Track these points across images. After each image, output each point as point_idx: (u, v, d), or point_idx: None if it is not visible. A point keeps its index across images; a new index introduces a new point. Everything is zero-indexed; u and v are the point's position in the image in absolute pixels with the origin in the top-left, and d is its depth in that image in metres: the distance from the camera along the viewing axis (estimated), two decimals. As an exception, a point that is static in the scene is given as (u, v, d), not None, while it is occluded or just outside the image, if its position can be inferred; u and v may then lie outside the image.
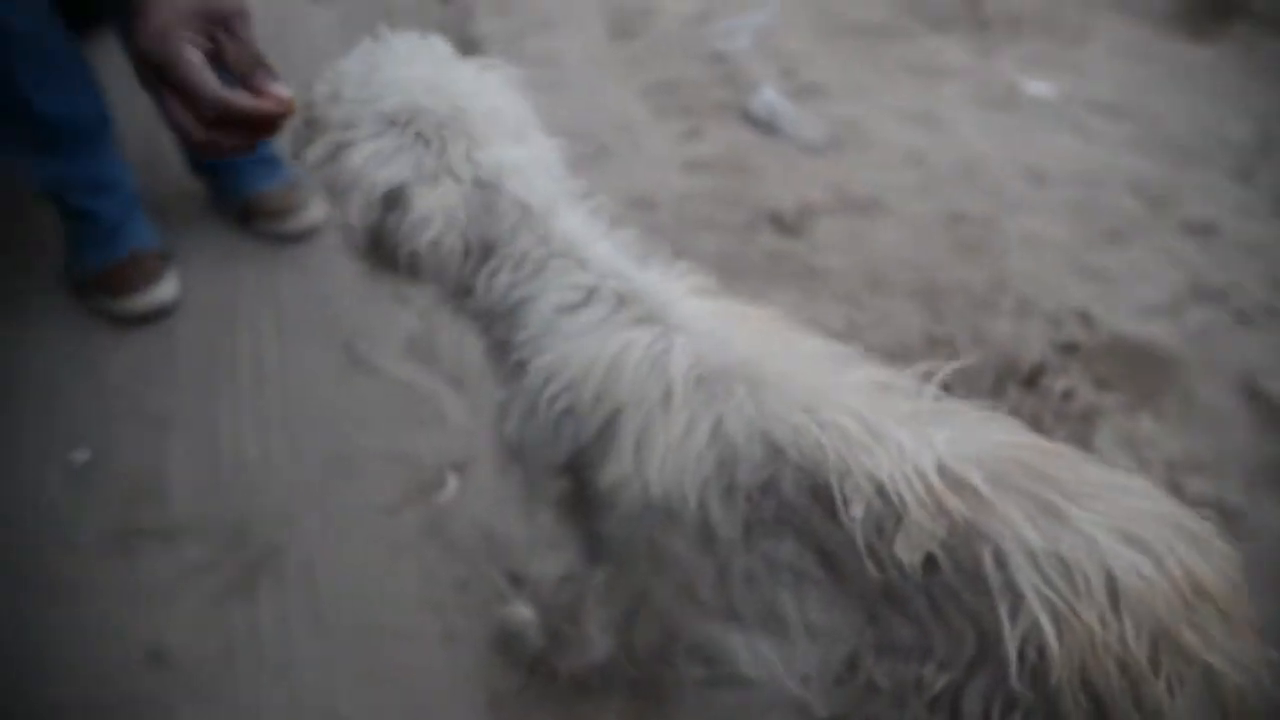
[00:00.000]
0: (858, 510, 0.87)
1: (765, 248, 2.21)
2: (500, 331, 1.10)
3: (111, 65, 2.11)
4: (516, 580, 1.55)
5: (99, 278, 2.04)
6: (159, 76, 0.99)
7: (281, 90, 1.03)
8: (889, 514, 0.86)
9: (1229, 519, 1.68)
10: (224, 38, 1.02)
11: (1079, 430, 1.87)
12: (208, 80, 0.98)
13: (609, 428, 1.00)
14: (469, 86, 1.05)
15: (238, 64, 1.03)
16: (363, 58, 1.06)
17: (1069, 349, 1.98)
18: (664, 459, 0.96)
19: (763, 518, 0.94)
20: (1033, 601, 0.81)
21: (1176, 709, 0.79)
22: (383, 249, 1.06)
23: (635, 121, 2.65)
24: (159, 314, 2.05)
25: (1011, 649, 0.81)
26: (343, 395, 1.89)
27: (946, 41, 3.10)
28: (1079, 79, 2.94)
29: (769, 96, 2.67)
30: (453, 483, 1.70)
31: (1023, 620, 0.81)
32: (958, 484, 0.85)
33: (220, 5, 1.00)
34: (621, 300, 1.04)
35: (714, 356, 0.98)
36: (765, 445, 0.93)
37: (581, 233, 1.06)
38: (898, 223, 2.33)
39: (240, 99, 1.00)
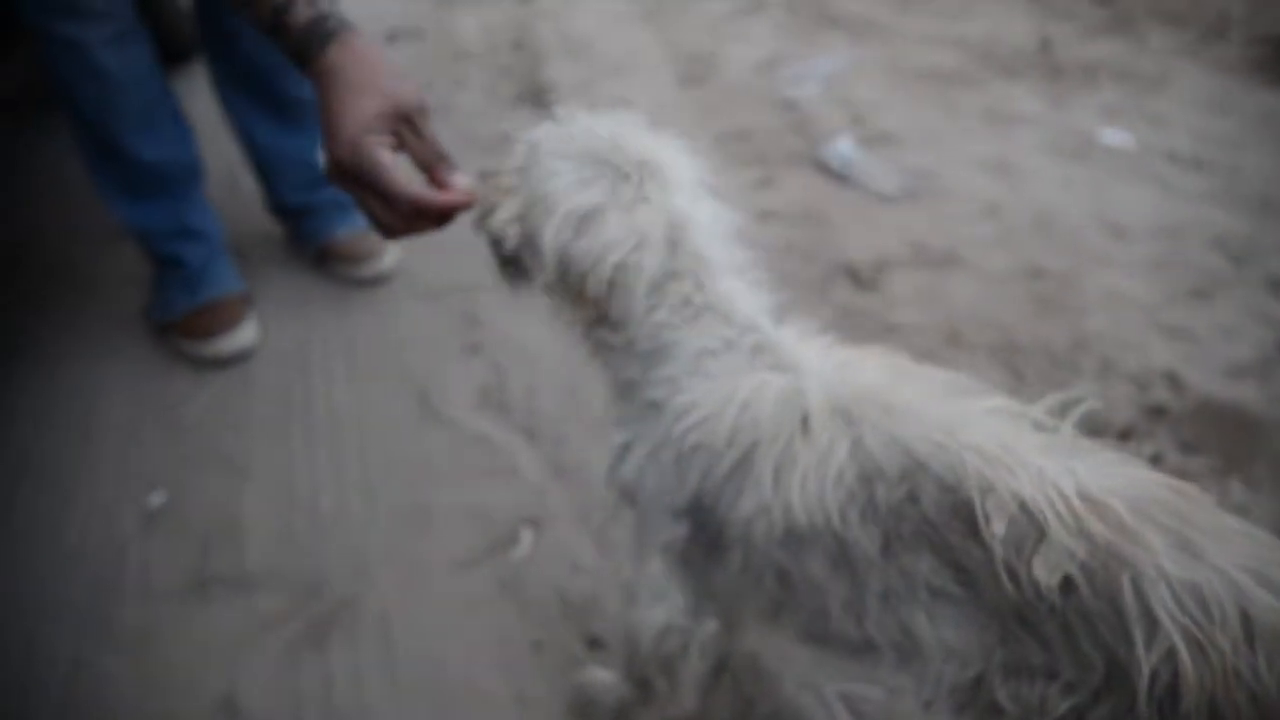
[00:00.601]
0: (999, 527, 0.87)
1: (841, 303, 2.18)
2: (634, 370, 1.12)
3: (195, 104, 2.17)
4: (594, 644, 1.52)
5: (182, 322, 2.08)
6: (355, 180, 1.04)
7: (464, 180, 1.09)
8: (1030, 533, 0.86)
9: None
10: (408, 133, 1.07)
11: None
12: (401, 182, 1.03)
13: (745, 461, 1.02)
14: (659, 144, 1.10)
15: (422, 158, 1.09)
16: (550, 129, 1.11)
17: (1157, 412, 1.92)
18: (805, 480, 0.97)
19: (901, 534, 0.94)
20: (1169, 627, 0.81)
21: None
22: (568, 273, 1.08)
23: (708, 170, 2.64)
24: (239, 358, 2.08)
25: (1144, 674, 0.81)
26: (416, 445, 1.89)
27: (1019, 89, 3.06)
28: (1157, 129, 2.88)
29: (843, 146, 2.65)
30: (527, 538, 1.69)
31: (1157, 647, 0.81)
32: (1100, 508, 0.86)
33: (403, 103, 1.05)
34: (758, 350, 1.08)
35: (846, 390, 1.01)
36: (905, 461, 0.94)
37: (736, 292, 1.10)
38: (974, 277, 2.28)
39: (430, 197, 1.05)
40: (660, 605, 1.17)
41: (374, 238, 2.31)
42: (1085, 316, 2.19)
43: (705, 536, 1.10)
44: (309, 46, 1.07)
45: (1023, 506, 0.87)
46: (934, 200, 2.54)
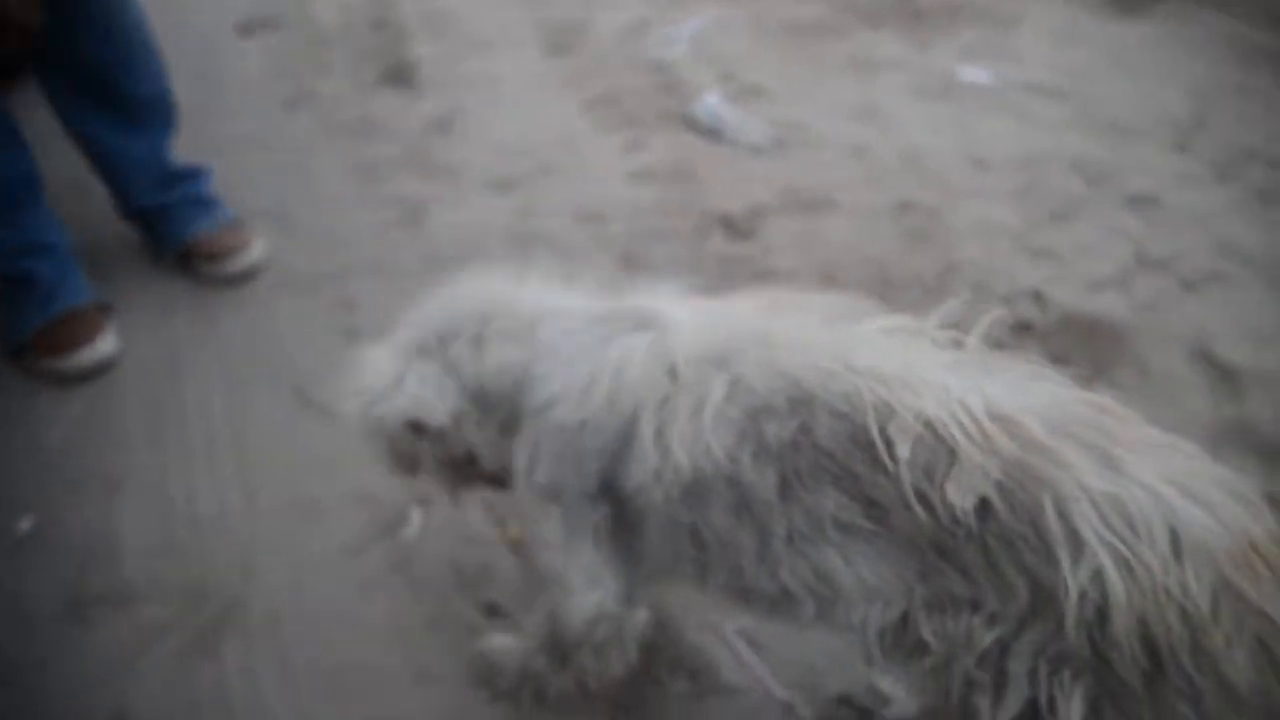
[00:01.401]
0: (904, 451, 0.83)
1: (717, 253, 2.20)
2: (506, 407, 1.12)
3: (32, 118, 2.06)
4: (492, 610, 1.51)
5: (36, 338, 1.97)
6: None
7: None
8: (940, 455, 0.82)
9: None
10: None
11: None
12: None
13: (629, 429, 0.99)
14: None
15: None
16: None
17: (1024, 328, 1.99)
18: (684, 431, 0.93)
19: (799, 471, 0.89)
20: (1096, 546, 0.78)
21: (1234, 660, 0.77)
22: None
23: (578, 136, 2.63)
24: (100, 370, 1.99)
25: (1072, 596, 0.79)
26: (297, 439, 1.84)
27: (882, 35, 3.13)
28: (1015, 64, 2.98)
29: (712, 102, 2.67)
30: (416, 517, 1.66)
31: (1084, 568, 0.79)
32: (1013, 426, 0.82)
33: None
34: (613, 318, 1.07)
35: (715, 337, 0.97)
36: (793, 393, 0.89)
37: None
38: (847, 218, 2.33)
39: None
40: (594, 592, 1.12)
41: (238, 232, 2.23)
42: (955, 246, 2.25)
43: (623, 513, 1.07)
44: None
45: (928, 427, 0.82)
46: (804, 149, 2.58)
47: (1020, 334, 1.98)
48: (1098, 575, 0.79)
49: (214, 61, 2.93)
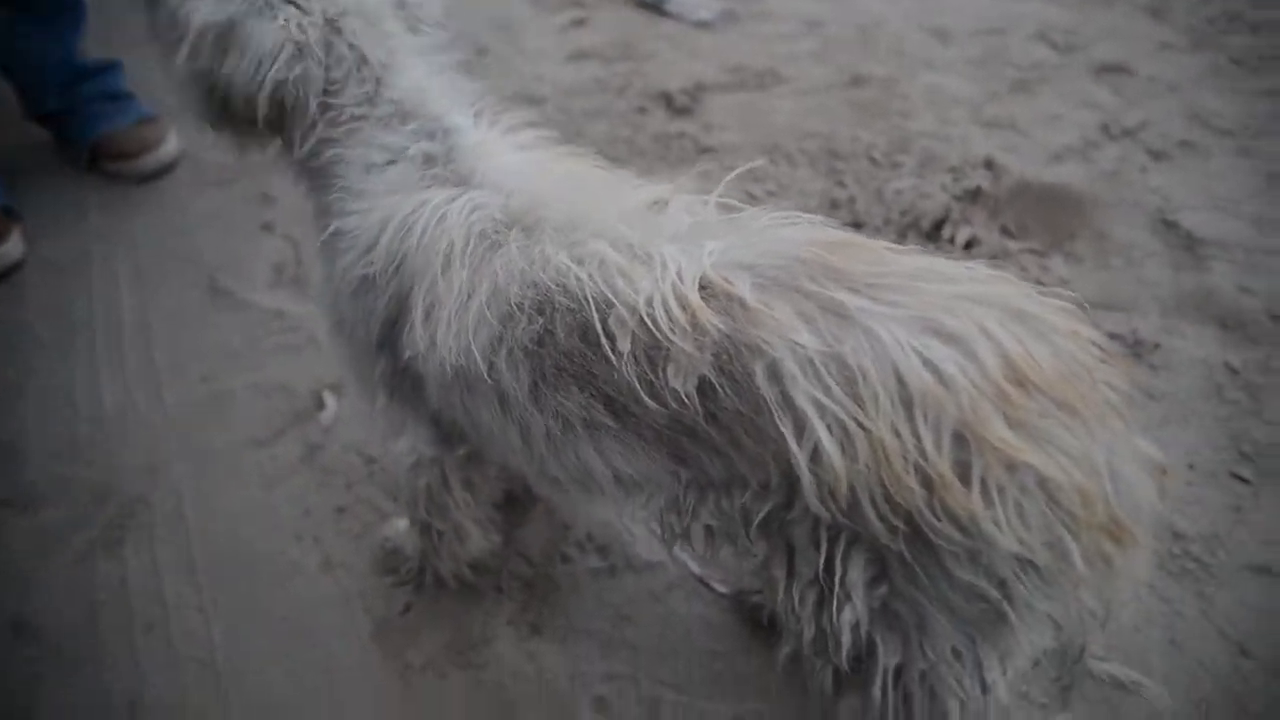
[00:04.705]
0: (624, 345, 0.79)
1: (656, 131, 2.08)
2: (319, 196, 1.02)
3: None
4: (399, 498, 1.44)
5: (-67, 245, 1.88)
6: None
7: None
8: (657, 343, 0.77)
9: (1144, 351, 1.61)
10: None
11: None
12: None
13: (404, 298, 0.93)
14: None
15: None
16: None
17: (971, 196, 1.88)
18: (449, 325, 0.88)
19: (544, 372, 0.85)
20: (812, 417, 0.71)
21: (1000, 519, 0.69)
22: (221, 104, 0.97)
23: (515, 18, 2.48)
24: (5, 274, 1.89)
25: (803, 470, 0.72)
26: (209, 333, 1.75)
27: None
28: (978, -71, 2.80)
29: (654, -25, 2.51)
30: (331, 404, 1.58)
31: (808, 440, 0.72)
32: (721, 296, 0.76)
33: None
34: (428, 161, 0.98)
35: (497, 208, 0.91)
36: (536, 295, 0.85)
37: (426, 88, 0.99)
38: (794, 93, 2.20)
39: None
40: (404, 438, 1.08)
41: (151, 128, 2.10)
42: (907, 119, 2.13)
43: (404, 373, 1.01)
44: None
45: (640, 319, 0.78)
46: (754, 23, 2.43)
47: (968, 202, 1.87)
48: (817, 447, 0.72)
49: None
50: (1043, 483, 0.69)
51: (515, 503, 1.32)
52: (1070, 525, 0.69)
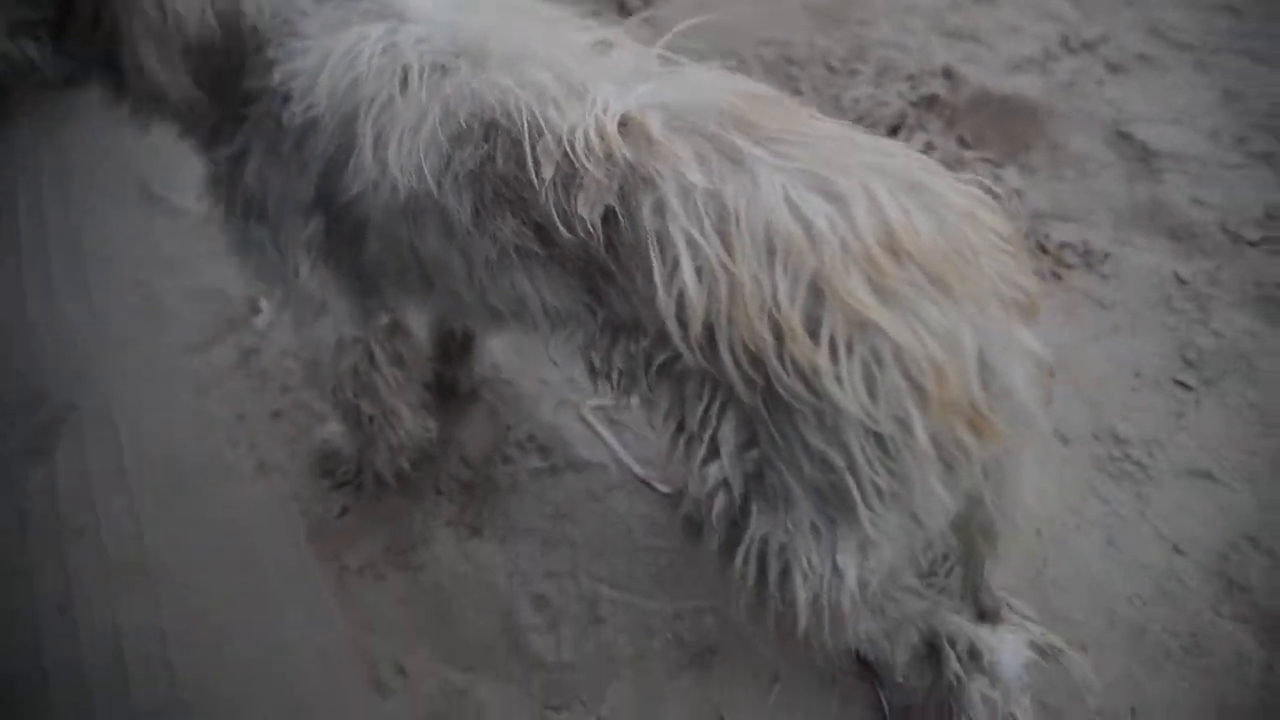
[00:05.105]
0: (547, 171, 0.80)
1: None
2: (251, 58, 0.95)
3: None
4: (324, 385, 1.41)
5: None
6: None
7: None
8: (574, 171, 0.79)
9: (1095, 260, 1.60)
10: None
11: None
12: None
13: (350, 128, 0.90)
14: None
15: None
16: None
17: (928, 104, 1.85)
18: (400, 147, 0.88)
19: (485, 197, 0.85)
20: (682, 251, 0.73)
21: (844, 377, 0.69)
22: None
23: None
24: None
25: (663, 304, 0.74)
26: (140, 239, 1.69)
27: None
28: None
29: (606, -125, 2.40)
30: (266, 309, 1.54)
31: (675, 274, 0.74)
32: (635, 130, 0.78)
33: None
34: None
35: (447, 38, 0.90)
36: (482, 119, 0.85)
37: None
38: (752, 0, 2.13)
39: None
40: (325, 319, 1.05)
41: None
42: (867, 27, 2.08)
43: (341, 226, 0.98)
44: None
45: (564, 148, 0.79)
46: (712, -74, 2.34)
47: (924, 109, 1.84)
48: (681, 281, 0.73)
49: None
50: (896, 352, 0.68)
51: (448, 391, 1.30)
52: (918, 400, 0.69)
